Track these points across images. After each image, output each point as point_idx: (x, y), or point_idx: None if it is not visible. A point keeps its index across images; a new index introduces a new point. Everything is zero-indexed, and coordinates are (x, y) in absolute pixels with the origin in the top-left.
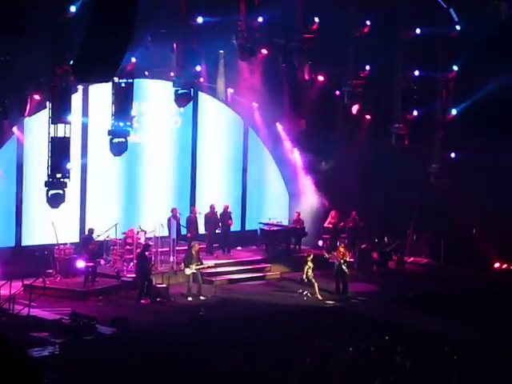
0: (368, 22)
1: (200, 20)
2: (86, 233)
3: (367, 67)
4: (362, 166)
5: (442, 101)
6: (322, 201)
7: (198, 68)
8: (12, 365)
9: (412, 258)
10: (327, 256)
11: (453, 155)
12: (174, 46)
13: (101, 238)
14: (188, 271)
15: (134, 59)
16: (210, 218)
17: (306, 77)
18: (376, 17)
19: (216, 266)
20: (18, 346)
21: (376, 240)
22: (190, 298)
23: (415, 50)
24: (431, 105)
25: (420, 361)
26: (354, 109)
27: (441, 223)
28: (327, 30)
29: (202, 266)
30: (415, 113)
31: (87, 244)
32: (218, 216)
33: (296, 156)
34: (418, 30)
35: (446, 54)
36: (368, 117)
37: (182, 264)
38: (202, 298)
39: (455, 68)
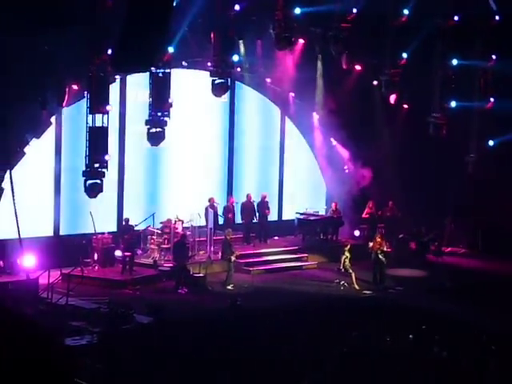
0: (406, 11)
1: (237, 7)
2: (123, 222)
3: (404, 56)
4: (399, 155)
5: (481, 89)
6: (357, 191)
7: (236, 57)
8: (47, 353)
9: (450, 248)
10: (371, 245)
11: (491, 143)
12: (212, 35)
13: (138, 228)
14: (232, 258)
15: (171, 49)
16: (247, 207)
17: (344, 66)
18: (414, 5)
19: (253, 255)
20: (52, 334)
21: (414, 230)
22: (229, 287)
23: (453, 39)
24: (469, 94)
25: (458, 350)
26: (392, 98)
27: (479, 212)
28: (364, 18)
29: (236, 254)
30: (453, 102)
31: (124, 233)
32: (255, 205)
33: (333, 146)
34: (455, 18)
35: (485, 43)
36: (405, 106)
37: (225, 254)
38: (229, 287)
39: (494, 57)
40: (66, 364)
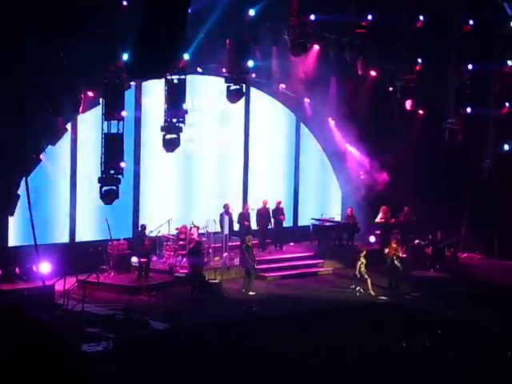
0: (421, 17)
1: (252, 13)
2: (139, 229)
3: (419, 61)
4: (414, 161)
5: (496, 95)
6: (373, 196)
7: (251, 63)
8: (62, 360)
9: (466, 254)
10: (386, 251)
11: (506, 147)
12: (227, 41)
13: (154, 234)
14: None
15: (186, 56)
16: (263, 213)
17: (359, 72)
18: (429, 11)
19: (268, 261)
20: (68, 341)
21: (429, 235)
22: (251, 293)
23: (469, 44)
24: (485, 99)
25: (473, 356)
26: (408, 104)
27: (494, 218)
28: (379, 24)
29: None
30: (468, 108)
31: (140, 240)
32: (271, 211)
33: (348, 151)
34: (471, 22)
35: (501, 48)
36: (421, 112)
37: (246, 260)
38: (251, 293)
39: (510, 63)
40: (82, 372)
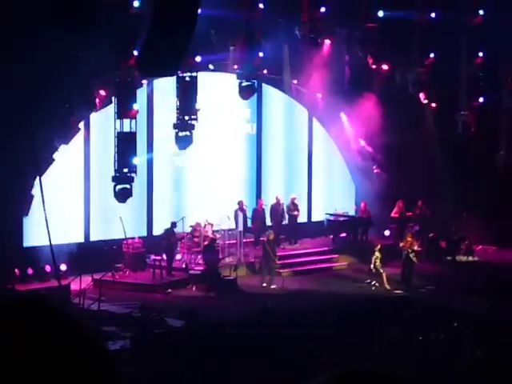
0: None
1: (261, 6)
2: (170, 226)
3: (431, 55)
4: (427, 154)
5: (508, 86)
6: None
7: (261, 54)
8: (93, 356)
9: (480, 246)
10: (401, 244)
11: None
12: (238, 38)
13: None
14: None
15: (198, 58)
16: (276, 209)
17: (371, 66)
18: (440, 4)
19: (283, 257)
20: (98, 337)
21: (444, 228)
22: (273, 286)
23: (480, 36)
24: (497, 91)
25: (490, 350)
26: (421, 97)
27: (509, 211)
28: (391, 18)
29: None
30: (481, 99)
31: (170, 237)
32: (285, 207)
33: (362, 146)
34: (481, 11)
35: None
36: (433, 105)
37: (268, 256)
38: (273, 286)
39: None
40: (111, 367)
